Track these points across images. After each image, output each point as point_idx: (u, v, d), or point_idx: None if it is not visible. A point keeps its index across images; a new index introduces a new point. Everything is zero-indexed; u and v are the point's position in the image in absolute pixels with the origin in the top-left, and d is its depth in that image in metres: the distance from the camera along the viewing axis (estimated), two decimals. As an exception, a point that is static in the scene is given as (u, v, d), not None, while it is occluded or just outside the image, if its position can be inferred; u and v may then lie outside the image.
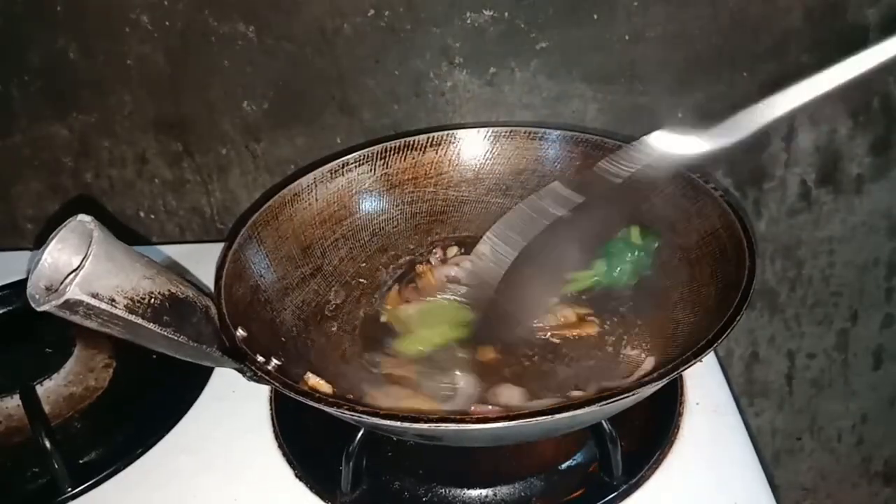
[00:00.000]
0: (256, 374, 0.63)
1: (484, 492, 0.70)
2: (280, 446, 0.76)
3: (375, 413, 0.57)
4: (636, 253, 0.82)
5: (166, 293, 0.56)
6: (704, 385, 0.80)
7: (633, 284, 0.83)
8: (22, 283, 0.95)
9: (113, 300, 0.51)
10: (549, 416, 0.55)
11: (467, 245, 0.92)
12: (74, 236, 0.52)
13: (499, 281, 0.82)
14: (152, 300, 0.54)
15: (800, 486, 1.39)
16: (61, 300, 0.48)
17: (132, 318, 0.52)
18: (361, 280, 0.89)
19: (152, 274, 0.55)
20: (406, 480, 0.72)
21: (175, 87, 1.02)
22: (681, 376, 0.80)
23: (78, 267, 0.49)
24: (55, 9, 0.96)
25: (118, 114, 1.04)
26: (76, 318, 0.50)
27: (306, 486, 0.72)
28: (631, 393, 0.57)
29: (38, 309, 0.49)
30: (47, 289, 0.50)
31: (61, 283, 0.50)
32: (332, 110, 1.02)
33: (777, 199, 1.08)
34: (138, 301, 0.53)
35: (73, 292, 0.48)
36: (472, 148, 0.93)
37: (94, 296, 0.49)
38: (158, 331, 0.55)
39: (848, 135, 1.03)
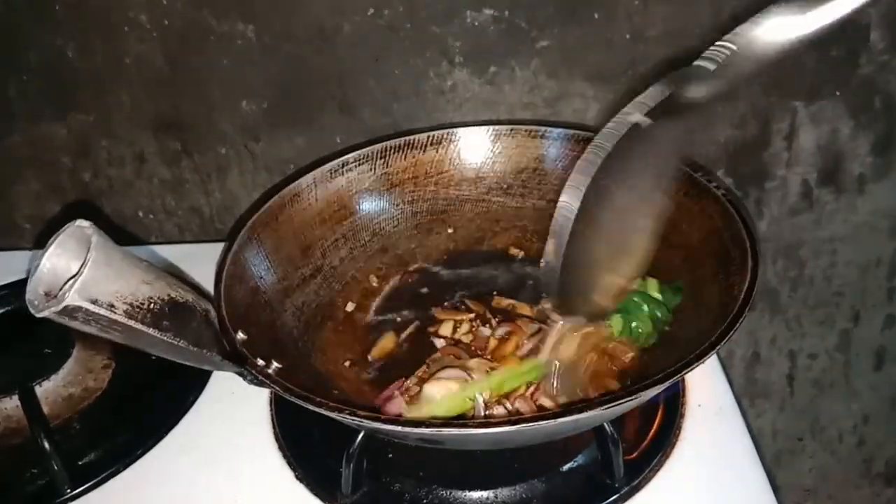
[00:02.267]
0: (257, 377, 0.63)
1: (485, 494, 0.70)
2: (280, 448, 0.76)
3: (377, 417, 0.57)
4: (653, 308, 0.76)
5: (166, 298, 0.56)
6: (706, 386, 0.80)
7: (653, 343, 0.76)
8: (21, 284, 0.95)
9: (112, 306, 0.50)
10: (552, 420, 0.55)
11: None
12: (73, 241, 0.51)
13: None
14: (152, 305, 0.54)
15: (801, 487, 1.39)
16: (60, 306, 0.47)
17: (132, 323, 0.52)
18: (362, 280, 0.89)
19: (151, 279, 0.55)
20: (406, 482, 0.72)
21: (174, 86, 1.01)
22: (683, 378, 0.80)
23: (77, 273, 0.49)
24: (54, 8, 0.96)
25: (117, 113, 1.04)
26: (76, 324, 0.49)
27: (306, 487, 0.72)
28: (633, 396, 0.57)
29: (38, 315, 0.48)
30: (46, 294, 0.50)
31: (60, 288, 0.49)
32: (331, 110, 1.02)
33: (779, 199, 1.08)
34: (137, 306, 0.53)
35: (73, 298, 0.48)
36: (472, 146, 0.93)
37: (94, 302, 0.49)
38: (158, 336, 0.55)
39: (850, 134, 1.03)
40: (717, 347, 0.59)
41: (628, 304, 0.76)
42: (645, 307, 0.76)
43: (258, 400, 0.81)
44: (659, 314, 0.76)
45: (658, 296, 0.78)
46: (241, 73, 1.00)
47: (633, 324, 0.75)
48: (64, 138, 1.06)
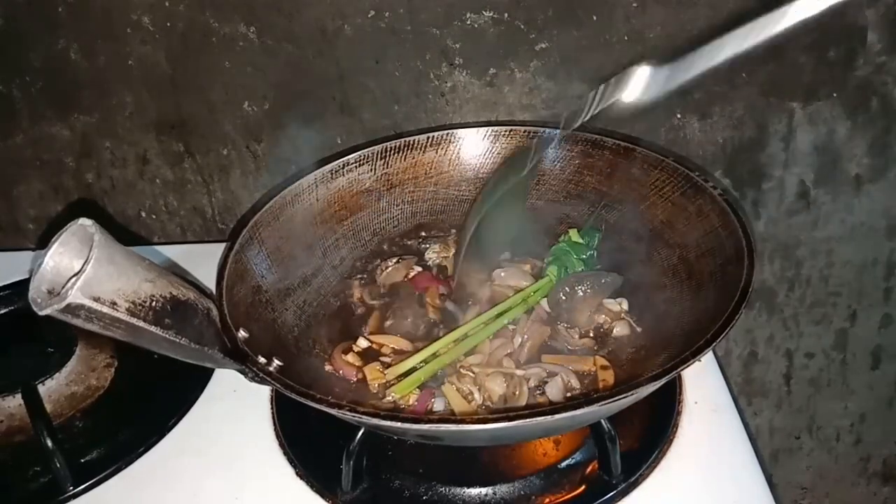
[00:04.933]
0: (258, 375, 0.63)
1: (484, 490, 0.71)
2: (281, 445, 0.77)
3: (376, 414, 0.57)
4: (581, 252, 0.86)
5: (168, 296, 0.56)
6: (703, 384, 0.81)
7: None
8: (24, 283, 0.95)
9: (114, 303, 0.51)
10: (549, 416, 0.55)
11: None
12: (76, 240, 0.52)
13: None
14: (154, 303, 0.54)
15: (798, 486, 1.39)
16: (63, 304, 0.48)
17: (134, 321, 0.52)
18: (362, 280, 0.90)
19: (153, 277, 0.55)
20: (406, 479, 0.72)
21: (176, 87, 1.02)
22: (679, 376, 0.80)
23: (79, 271, 0.49)
24: (57, 10, 0.97)
25: (120, 114, 1.04)
26: (78, 322, 0.50)
27: (307, 484, 0.73)
28: (630, 392, 0.57)
29: (41, 313, 0.49)
30: (49, 292, 0.51)
31: (63, 286, 0.50)
32: (332, 111, 1.02)
33: (776, 199, 1.09)
34: (140, 304, 0.53)
35: (75, 296, 0.48)
36: (471, 147, 0.94)
37: (96, 299, 0.49)
38: (160, 333, 0.55)
39: (846, 135, 1.03)
40: (713, 345, 0.60)
41: (558, 252, 0.86)
42: (573, 253, 0.86)
43: (259, 397, 0.82)
44: (584, 256, 0.86)
45: (580, 240, 0.87)
46: (242, 75, 1.00)
47: (567, 268, 0.85)
48: (67, 139, 1.07)
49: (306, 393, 0.60)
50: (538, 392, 0.74)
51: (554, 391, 0.73)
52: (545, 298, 0.84)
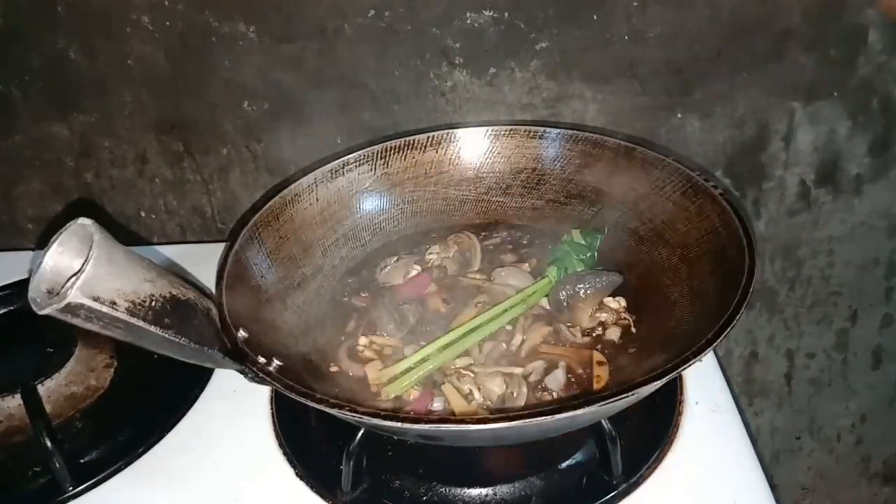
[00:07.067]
0: (258, 375, 0.63)
1: (484, 491, 0.71)
2: (281, 445, 0.77)
3: (376, 414, 0.57)
4: (582, 252, 0.86)
5: (167, 295, 0.56)
6: (704, 384, 0.81)
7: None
8: (23, 283, 0.95)
9: (114, 303, 0.51)
10: (549, 416, 0.55)
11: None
12: (75, 240, 0.52)
13: None
14: (153, 303, 0.54)
15: (799, 486, 1.39)
16: (63, 304, 0.48)
17: (133, 320, 0.52)
18: (362, 280, 0.90)
19: (153, 276, 0.55)
20: (406, 479, 0.72)
21: (176, 87, 1.02)
22: (680, 376, 0.80)
23: (79, 270, 0.49)
24: (56, 9, 0.96)
25: (119, 114, 1.04)
26: (78, 321, 0.50)
27: (307, 485, 0.72)
28: (630, 393, 0.57)
29: (40, 313, 0.49)
30: (49, 292, 0.51)
31: (63, 286, 0.50)
32: (332, 110, 1.02)
33: (776, 199, 1.09)
34: (139, 304, 0.53)
35: (75, 296, 0.48)
36: (472, 147, 0.93)
37: (96, 299, 0.49)
38: (160, 333, 0.55)
39: (847, 135, 1.03)
40: (714, 345, 0.60)
41: (559, 253, 0.86)
42: (573, 253, 0.86)
43: (259, 398, 0.82)
44: (584, 256, 0.86)
45: (581, 240, 0.87)
46: (242, 74, 1.00)
47: (567, 268, 0.85)
48: (66, 139, 1.06)
49: (306, 393, 0.60)
50: (539, 387, 0.74)
51: (554, 383, 0.74)
52: (545, 298, 0.84)
